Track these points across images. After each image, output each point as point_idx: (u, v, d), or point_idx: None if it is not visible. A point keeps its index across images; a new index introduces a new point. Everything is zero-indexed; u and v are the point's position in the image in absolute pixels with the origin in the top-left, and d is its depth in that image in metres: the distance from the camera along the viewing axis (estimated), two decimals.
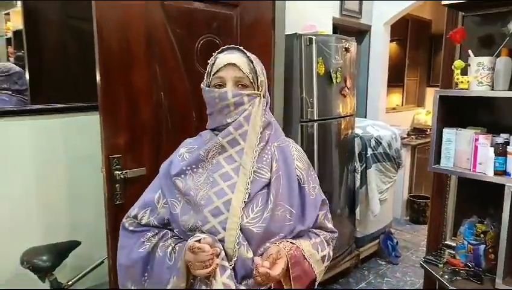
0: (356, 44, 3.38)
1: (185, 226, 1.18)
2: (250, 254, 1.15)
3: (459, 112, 2.27)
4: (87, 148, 2.19)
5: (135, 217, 1.29)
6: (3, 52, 2.27)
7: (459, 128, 2.17)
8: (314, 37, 2.87)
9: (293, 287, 1.20)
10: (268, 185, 1.22)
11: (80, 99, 2.27)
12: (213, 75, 1.24)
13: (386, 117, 4.84)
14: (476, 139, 2.07)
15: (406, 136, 5.05)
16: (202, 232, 1.15)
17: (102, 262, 2.13)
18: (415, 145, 4.89)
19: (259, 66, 1.27)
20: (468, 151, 2.11)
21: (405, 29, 5.38)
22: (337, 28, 4.09)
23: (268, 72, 1.33)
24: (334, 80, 3.03)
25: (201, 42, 2.05)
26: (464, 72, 2.11)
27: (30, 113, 2.15)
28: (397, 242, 3.97)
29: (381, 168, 3.60)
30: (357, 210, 3.51)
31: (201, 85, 1.29)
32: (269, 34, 2.36)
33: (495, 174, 2.00)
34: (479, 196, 2.30)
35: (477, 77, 2.05)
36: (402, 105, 5.63)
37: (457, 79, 2.10)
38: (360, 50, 4.65)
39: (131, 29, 1.80)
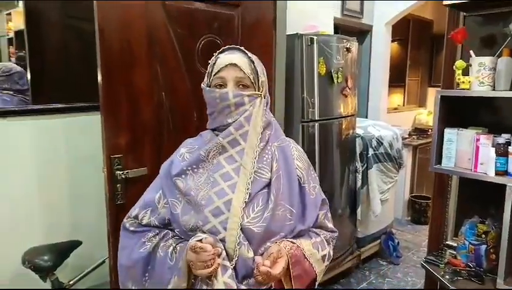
0: (357, 44, 3.38)
1: (185, 226, 1.18)
2: (250, 254, 1.15)
3: (460, 112, 2.27)
4: (88, 148, 2.20)
5: (136, 217, 1.29)
6: (5, 52, 2.27)
7: (461, 129, 2.17)
8: (315, 37, 2.87)
9: (293, 287, 1.20)
10: (268, 184, 1.22)
11: (81, 99, 2.28)
12: (214, 75, 1.24)
13: (387, 117, 4.83)
14: (477, 140, 2.06)
15: (407, 136, 5.05)
16: (203, 232, 1.16)
17: (103, 262, 2.13)
18: (417, 145, 4.88)
19: (260, 67, 1.27)
20: (470, 152, 2.11)
21: (406, 29, 5.38)
22: (338, 28, 4.09)
23: (269, 72, 1.33)
24: (335, 80, 3.03)
25: (202, 42, 2.06)
26: (466, 72, 2.11)
27: (32, 113, 2.16)
28: (398, 242, 3.97)
29: (382, 169, 3.59)
30: (358, 210, 3.51)
31: (202, 85, 1.29)
32: (270, 34, 2.37)
33: (496, 174, 1.99)
34: (480, 196, 2.29)
35: (478, 77, 2.04)
36: (403, 105, 5.63)
37: (459, 79, 2.10)
38: (362, 50, 4.65)
39: (132, 30, 1.81)
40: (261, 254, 1.17)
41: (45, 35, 2.27)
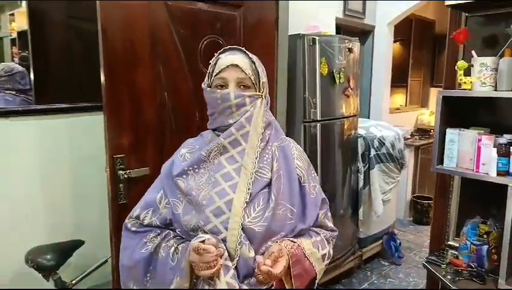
0: (359, 44, 3.38)
1: (187, 226, 1.19)
2: (252, 253, 1.15)
3: (462, 112, 2.27)
4: (91, 148, 2.20)
5: (137, 217, 1.30)
6: (8, 53, 2.28)
7: (462, 129, 2.17)
8: (317, 38, 2.88)
9: (293, 286, 1.20)
10: (269, 184, 1.22)
11: (84, 99, 2.29)
12: (215, 76, 1.24)
13: (389, 117, 4.83)
14: (479, 140, 2.06)
15: (409, 136, 5.05)
16: (204, 232, 1.16)
17: (106, 261, 2.14)
18: (419, 145, 4.88)
19: (260, 68, 1.28)
20: (471, 152, 2.11)
21: (409, 30, 5.37)
22: (340, 28, 4.09)
23: (271, 73, 1.34)
24: (337, 80, 3.03)
25: (204, 43, 2.06)
26: (467, 72, 2.11)
27: (35, 113, 2.17)
28: (400, 243, 3.96)
29: (384, 169, 3.59)
30: (360, 211, 3.51)
31: (203, 85, 1.29)
32: (272, 34, 2.37)
33: (498, 174, 1.99)
34: (482, 197, 2.29)
35: (480, 77, 2.04)
36: (405, 105, 5.62)
37: (461, 80, 2.10)
38: (364, 50, 4.65)
39: (135, 30, 1.81)
40: (262, 253, 1.17)
41: (48, 36, 2.28)
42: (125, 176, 1.80)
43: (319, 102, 2.94)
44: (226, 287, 1.11)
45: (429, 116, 5.69)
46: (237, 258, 1.15)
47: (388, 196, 3.71)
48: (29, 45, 2.20)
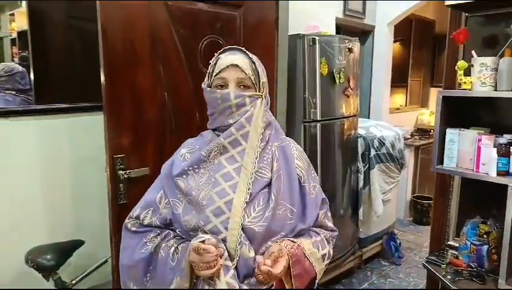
0: (359, 44, 3.38)
1: (187, 226, 1.19)
2: (252, 253, 1.15)
3: (462, 112, 2.27)
4: (92, 148, 2.20)
5: (137, 217, 1.30)
6: (8, 53, 2.28)
7: (462, 129, 2.17)
8: (317, 38, 2.88)
9: (293, 286, 1.20)
10: (269, 184, 1.22)
11: (85, 99, 2.29)
12: (215, 76, 1.25)
13: (389, 117, 4.83)
14: (479, 140, 2.06)
15: (409, 136, 5.05)
16: (204, 232, 1.16)
17: (106, 261, 2.14)
18: (419, 145, 4.88)
19: (260, 68, 1.28)
20: (471, 152, 2.11)
21: (409, 30, 5.37)
22: (340, 28, 4.09)
23: (271, 73, 1.34)
24: (337, 80, 3.03)
25: (204, 43, 2.06)
26: (467, 72, 2.11)
27: (35, 113, 2.17)
28: (400, 243, 3.97)
29: (384, 169, 3.59)
30: (360, 211, 3.51)
31: (202, 85, 1.29)
32: (272, 34, 2.37)
33: (498, 174, 2.00)
34: (482, 197, 2.29)
35: (480, 77, 2.04)
36: (405, 105, 5.62)
37: (461, 80, 2.10)
38: (364, 50, 4.65)
39: (135, 30, 1.82)
40: (262, 253, 1.17)
41: (48, 36, 2.28)
42: (125, 176, 1.80)
43: (319, 102, 2.94)
44: (226, 287, 1.11)
45: (429, 116, 5.69)
46: (237, 258, 1.15)
47: (388, 196, 3.71)
48: (29, 45, 2.20)
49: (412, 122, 5.71)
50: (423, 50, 5.76)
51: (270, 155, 1.26)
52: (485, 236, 2.17)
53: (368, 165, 3.48)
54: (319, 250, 1.29)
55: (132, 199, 1.70)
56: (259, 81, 1.26)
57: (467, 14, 2.33)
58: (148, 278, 1.23)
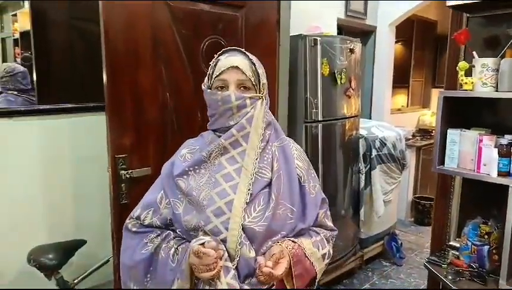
0: (361, 45, 3.38)
1: (187, 226, 1.19)
2: (252, 253, 1.16)
3: (463, 113, 2.27)
4: (94, 148, 2.21)
5: (138, 218, 1.30)
6: (11, 53, 2.29)
7: (463, 129, 2.17)
8: (319, 38, 2.88)
9: (295, 285, 1.21)
10: (269, 184, 1.23)
11: (87, 99, 2.30)
12: (215, 77, 1.25)
13: (391, 118, 4.83)
14: (480, 140, 2.07)
15: (411, 137, 5.05)
16: (205, 232, 1.16)
17: (107, 261, 2.15)
18: (420, 146, 4.88)
19: (261, 69, 1.28)
20: (472, 152, 2.11)
21: (410, 30, 5.36)
22: (342, 29, 4.09)
23: (273, 73, 1.34)
24: (338, 81, 3.04)
25: (206, 43, 2.07)
26: (469, 73, 2.11)
27: (38, 113, 2.18)
28: (401, 243, 3.97)
29: (385, 169, 3.60)
30: (362, 211, 3.51)
31: (202, 87, 1.30)
32: (274, 35, 2.38)
33: (499, 175, 1.99)
34: (483, 197, 2.29)
35: (481, 78, 2.04)
36: (407, 106, 5.61)
37: (462, 80, 2.10)
38: (365, 51, 4.65)
39: (137, 30, 1.82)
40: (263, 254, 1.18)
41: (51, 36, 2.29)
42: (127, 176, 1.81)
43: (320, 102, 2.94)
44: (226, 286, 1.12)
45: (431, 116, 5.69)
46: (237, 258, 1.15)
47: (389, 197, 3.71)
48: (32, 45, 2.21)
49: (414, 122, 5.70)
50: (425, 51, 5.75)
51: (270, 155, 1.26)
52: (486, 236, 2.17)
53: (369, 166, 3.49)
54: (319, 250, 1.29)
55: (134, 198, 1.70)
56: (260, 82, 1.26)
57: (468, 15, 2.33)
58: (148, 279, 1.24)
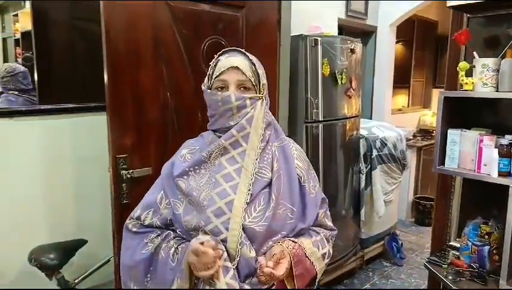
0: (361, 45, 3.38)
1: (187, 226, 1.19)
2: (252, 253, 1.16)
3: (463, 113, 2.27)
4: (95, 148, 2.22)
5: (138, 218, 1.30)
6: (12, 53, 2.30)
7: (464, 130, 2.17)
8: (319, 38, 2.89)
9: (295, 285, 1.21)
10: (269, 184, 1.23)
11: (88, 99, 2.30)
12: (215, 78, 1.25)
13: (391, 118, 4.82)
14: (481, 141, 2.07)
15: (411, 137, 5.04)
16: (205, 232, 1.17)
17: (108, 261, 2.15)
18: (421, 146, 4.88)
19: (261, 69, 1.28)
20: (473, 153, 2.11)
21: (411, 30, 5.37)
22: (342, 29, 4.10)
23: (273, 73, 1.34)
24: (339, 81, 3.04)
25: (207, 43, 2.07)
26: (469, 73, 2.11)
27: (39, 113, 2.18)
28: (402, 244, 3.97)
29: (386, 170, 3.60)
30: (362, 211, 3.51)
31: (202, 87, 1.30)
32: (274, 35, 2.38)
33: (499, 175, 1.99)
34: (484, 197, 2.29)
35: (482, 78, 2.04)
36: (408, 106, 5.62)
37: (462, 80, 2.10)
38: (366, 51, 4.64)
39: (138, 31, 1.83)
40: (264, 254, 1.18)
41: (52, 36, 2.29)
42: (128, 175, 1.81)
43: (321, 103, 2.94)
44: (225, 286, 1.12)
45: (431, 117, 5.68)
46: (238, 258, 1.15)
47: (390, 197, 3.71)
48: (33, 45, 2.21)
49: (414, 123, 5.70)
50: (426, 51, 5.75)
51: (270, 155, 1.26)
52: (486, 237, 2.17)
53: (369, 166, 3.49)
54: (319, 249, 1.29)
55: (135, 198, 1.70)
56: (260, 82, 1.26)
57: (468, 15, 2.33)
58: (148, 279, 1.24)
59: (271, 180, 1.23)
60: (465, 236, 2.25)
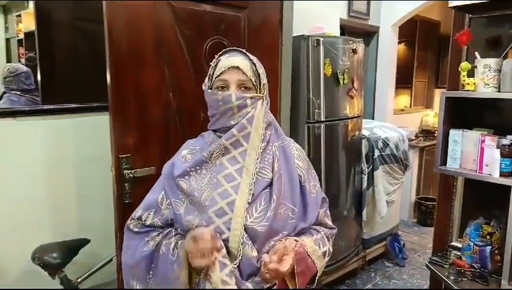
0: (364, 45, 3.38)
1: (188, 226, 1.20)
2: (254, 253, 1.17)
3: (465, 113, 2.28)
4: (97, 148, 2.22)
5: (139, 218, 1.31)
6: (15, 54, 2.31)
7: (466, 130, 2.17)
8: (321, 39, 2.89)
9: (297, 283, 1.21)
10: (270, 184, 1.24)
11: (91, 99, 2.31)
12: (216, 77, 1.26)
13: (393, 119, 4.81)
14: (483, 141, 2.07)
15: (414, 137, 5.04)
16: None
17: (110, 260, 2.16)
18: (423, 147, 4.88)
19: (261, 69, 1.29)
20: (475, 153, 2.11)
21: (413, 31, 5.35)
22: (344, 29, 4.09)
23: (275, 73, 1.34)
24: (341, 81, 3.04)
25: (209, 44, 2.08)
26: (471, 73, 2.11)
27: (41, 113, 2.19)
28: (404, 244, 3.97)
29: (388, 170, 3.60)
30: (364, 212, 3.51)
31: (203, 87, 1.30)
32: (277, 35, 2.38)
33: (501, 175, 2.00)
34: (485, 198, 2.29)
35: (483, 78, 2.05)
36: (410, 106, 5.61)
37: (464, 81, 2.10)
38: (368, 51, 4.64)
39: (140, 31, 1.83)
40: (266, 253, 1.18)
41: (55, 36, 2.30)
42: (131, 175, 1.82)
43: (323, 103, 2.95)
44: (221, 283, 1.12)
45: (434, 117, 5.67)
46: (240, 257, 1.16)
47: (392, 197, 3.71)
48: (36, 46, 2.22)
49: (417, 123, 5.69)
50: (428, 51, 5.74)
51: (270, 155, 1.27)
52: (488, 237, 2.17)
53: (371, 166, 3.49)
54: (320, 247, 1.30)
55: (137, 198, 1.70)
56: (260, 82, 1.27)
57: (470, 16, 2.33)
58: (150, 275, 1.24)
59: (272, 180, 1.24)
60: (466, 236, 2.25)
